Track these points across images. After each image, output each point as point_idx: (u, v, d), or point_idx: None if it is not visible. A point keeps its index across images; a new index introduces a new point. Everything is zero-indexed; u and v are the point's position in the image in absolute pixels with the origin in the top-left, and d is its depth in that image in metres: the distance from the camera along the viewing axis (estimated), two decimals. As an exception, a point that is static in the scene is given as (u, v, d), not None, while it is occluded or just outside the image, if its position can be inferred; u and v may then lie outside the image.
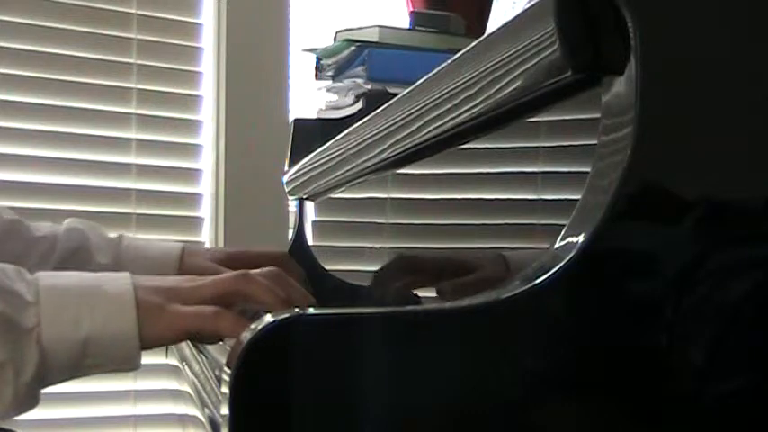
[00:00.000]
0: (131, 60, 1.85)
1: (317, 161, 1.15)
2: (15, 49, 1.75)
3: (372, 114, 0.90)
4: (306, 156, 1.22)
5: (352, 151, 0.97)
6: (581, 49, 0.53)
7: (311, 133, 1.35)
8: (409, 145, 0.80)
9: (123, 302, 0.68)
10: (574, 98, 0.57)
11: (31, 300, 0.66)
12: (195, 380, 0.88)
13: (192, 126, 1.92)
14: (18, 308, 0.65)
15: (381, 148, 0.88)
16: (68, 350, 0.66)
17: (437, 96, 0.72)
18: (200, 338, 0.72)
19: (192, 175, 1.92)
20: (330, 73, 1.32)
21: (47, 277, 0.69)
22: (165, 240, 1.84)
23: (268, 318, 0.51)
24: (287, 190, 1.37)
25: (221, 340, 0.73)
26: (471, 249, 0.79)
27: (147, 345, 0.69)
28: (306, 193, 1.31)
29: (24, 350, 0.65)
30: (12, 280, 0.67)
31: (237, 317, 0.69)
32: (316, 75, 1.36)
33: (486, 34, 0.67)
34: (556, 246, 0.52)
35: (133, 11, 1.86)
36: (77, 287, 0.68)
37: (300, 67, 1.86)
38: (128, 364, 0.69)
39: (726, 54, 0.54)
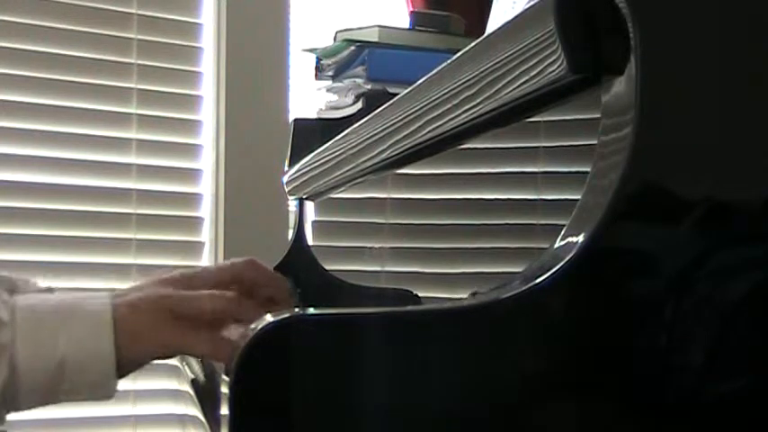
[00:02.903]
0: (131, 60, 1.85)
1: (317, 161, 1.15)
2: (15, 49, 1.75)
3: (372, 114, 0.90)
4: (306, 156, 1.22)
5: (352, 151, 0.97)
6: (581, 49, 0.53)
7: (311, 133, 1.35)
8: (409, 145, 0.80)
9: (100, 321, 0.66)
10: (574, 98, 0.57)
11: (5, 319, 0.64)
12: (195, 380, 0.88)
13: (192, 126, 1.92)
14: None
15: (381, 148, 0.88)
16: (44, 370, 0.65)
17: (437, 96, 0.72)
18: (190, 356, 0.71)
19: (192, 175, 1.91)
20: (330, 73, 1.32)
21: (23, 299, 0.67)
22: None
23: (268, 318, 0.51)
24: (287, 190, 1.37)
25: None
26: (466, 250, 0.79)
27: (127, 364, 0.67)
28: (306, 193, 1.31)
29: None
30: None
31: (231, 343, 0.66)
32: (316, 75, 1.36)
33: (486, 34, 0.67)
34: (556, 246, 0.52)
35: (133, 11, 1.85)
36: (55, 306, 0.67)
37: (300, 67, 1.86)
38: (103, 391, 0.67)
39: (726, 54, 0.54)
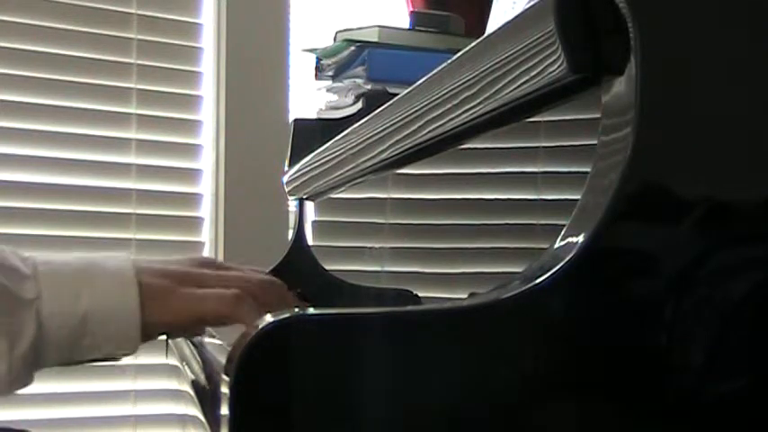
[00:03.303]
0: (131, 60, 1.85)
1: (317, 161, 1.15)
2: (15, 49, 1.75)
3: (372, 114, 0.90)
4: (306, 156, 1.22)
5: (352, 151, 0.97)
6: (581, 49, 0.53)
7: (311, 133, 1.35)
8: (409, 145, 0.80)
9: (123, 278, 0.66)
10: (574, 98, 0.57)
11: (29, 273, 0.65)
12: (195, 380, 0.88)
13: (192, 126, 1.92)
14: (17, 281, 0.64)
15: (381, 148, 0.88)
16: (67, 325, 0.64)
17: (437, 96, 0.72)
18: (212, 323, 0.70)
19: (192, 175, 1.92)
20: (330, 73, 1.32)
21: (42, 256, 0.67)
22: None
23: (268, 318, 0.51)
24: (287, 190, 1.37)
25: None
26: (466, 250, 0.79)
27: (154, 326, 0.67)
28: (306, 193, 1.31)
29: (21, 322, 0.63)
30: (9, 257, 0.65)
31: (256, 305, 0.66)
32: (316, 75, 1.36)
33: (486, 34, 0.67)
34: (556, 246, 0.52)
35: (133, 11, 1.86)
36: (75, 264, 0.67)
37: (300, 67, 1.87)
38: (126, 345, 0.66)
39: (726, 54, 0.54)
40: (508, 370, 0.52)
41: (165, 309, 0.67)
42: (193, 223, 1.91)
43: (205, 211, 1.92)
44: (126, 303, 0.65)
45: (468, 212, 0.79)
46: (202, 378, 0.83)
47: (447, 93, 0.70)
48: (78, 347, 0.66)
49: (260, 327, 0.50)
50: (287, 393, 0.50)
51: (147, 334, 0.67)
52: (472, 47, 0.66)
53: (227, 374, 0.51)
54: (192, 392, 0.91)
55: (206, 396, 0.79)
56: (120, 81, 1.84)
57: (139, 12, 1.86)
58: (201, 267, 0.72)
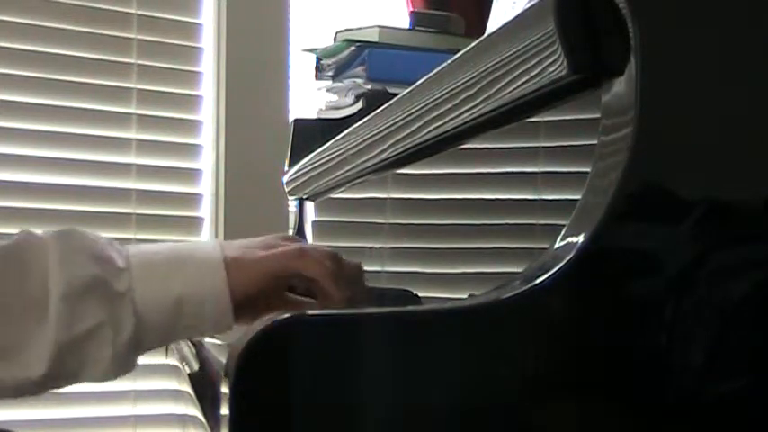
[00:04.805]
0: (131, 60, 1.85)
1: (317, 161, 1.15)
2: (15, 49, 1.75)
3: (372, 114, 0.90)
4: (306, 156, 1.22)
5: (352, 151, 0.98)
6: (581, 49, 0.53)
7: (311, 133, 1.35)
8: (409, 145, 0.80)
9: (212, 263, 0.70)
10: (574, 98, 0.57)
11: (122, 266, 0.68)
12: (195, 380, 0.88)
13: (192, 126, 1.92)
14: (112, 273, 0.67)
15: (381, 148, 0.88)
16: (162, 310, 0.68)
17: (437, 96, 0.72)
18: (288, 282, 0.73)
19: (192, 175, 1.91)
20: (330, 73, 1.32)
21: (135, 247, 0.71)
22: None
23: (268, 318, 0.51)
24: (287, 190, 1.37)
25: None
26: (466, 249, 0.79)
27: (239, 296, 0.70)
28: (306, 193, 1.31)
29: (120, 312, 0.66)
30: (106, 249, 0.69)
31: (321, 258, 0.70)
32: (316, 75, 1.36)
33: (486, 34, 0.67)
34: (556, 246, 0.52)
35: (133, 11, 1.85)
36: (165, 252, 0.71)
37: (300, 67, 1.86)
38: (223, 323, 0.70)
39: (725, 54, 0.54)
40: (508, 370, 0.52)
41: (244, 277, 0.70)
42: (193, 223, 1.91)
43: (205, 211, 1.92)
44: (215, 285, 0.69)
45: (469, 212, 0.79)
46: (202, 378, 0.83)
47: (447, 93, 0.70)
48: (176, 330, 0.69)
49: (260, 326, 0.50)
50: (287, 393, 0.50)
51: (240, 307, 0.70)
52: (472, 47, 0.66)
53: (227, 374, 0.51)
54: (191, 392, 0.91)
55: (206, 396, 0.79)
56: (120, 81, 1.84)
57: (139, 12, 1.86)
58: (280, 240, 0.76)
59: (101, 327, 0.65)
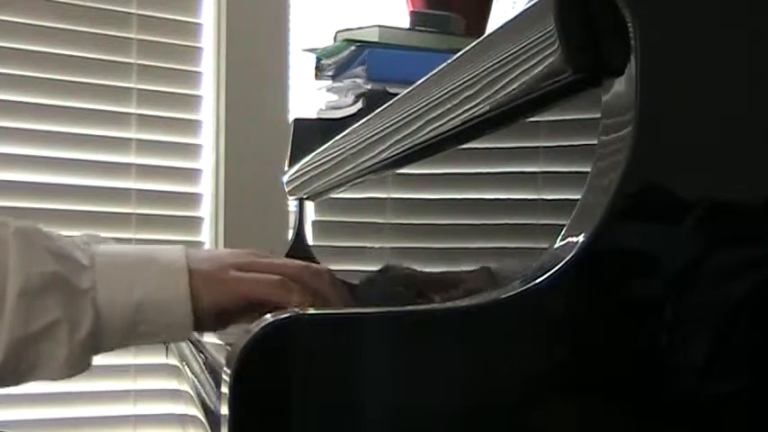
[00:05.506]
0: (131, 60, 1.85)
1: (317, 161, 1.15)
2: (15, 49, 1.75)
3: (372, 114, 0.90)
4: (306, 156, 1.22)
5: (352, 151, 0.97)
6: (581, 49, 0.53)
7: (311, 133, 1.35)
8: (409, 145, 0.80)
9: (175, 269, 0.69)
10: (574, 98, 0.57)
11: (86, 264, 0.68)
12: (195, 380, 0.88)
13: (192, 126, 1.92)
14: (74, 271, 0.67)
15: (381, 148, 0.88)
16: (122, 313, 0.67)
17: (437, 96, 0.72)
18: (260, 308, 0.72)
19: (192, 175, 1.92)
20: (330, 73, 1.32)
21: (102, 247, 0.71)
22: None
23: (268, 317, 0.51)
24: (287, 190, 1.37)
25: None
26: (466, 249, 0.79)
27: (205, 312, 0.69)
28: (306, 193, 1.31)
29: (79, 309, 0.66)
30: (68, 247, 0.69)
31: (303, 291, 0.69)
32: (316, 75, 1.36)
33: (486, 34, 0.67)
34: (556, 246, 0.52)
35: (133, 11, 1.86)
36: (131, 255, 0.71)
37: (300, 67, 1.86)
38: (180, 331, 0.69)
39: (726, 54, 0.54)
40: (508, 370, 0.52)
41: (214, 294, 0.69)
42: (193, 223, 1.91)
43: (205, 211, 1.92)
44: (177, 292, 0.69)
45: (469, 212, 0.79)
46: (202, 378, 0.83)
47: (447, 93, 0.70)
48: (134, 334, 0.69)
49: (260, 326, 0.50)
50: (287, 393, 0.50)
51: (200, 318, 0.70)
52: (472, 47, 0.66)
53: (227, 374, 0.51)
54: (191, 392, 0.91)
55: (206, 396, 0.79)
56: (120, 81, 1.84)
57: (139, 12, 1.86)
58: (251, 257, 0.75)
59: (57, 324, 0.65)
